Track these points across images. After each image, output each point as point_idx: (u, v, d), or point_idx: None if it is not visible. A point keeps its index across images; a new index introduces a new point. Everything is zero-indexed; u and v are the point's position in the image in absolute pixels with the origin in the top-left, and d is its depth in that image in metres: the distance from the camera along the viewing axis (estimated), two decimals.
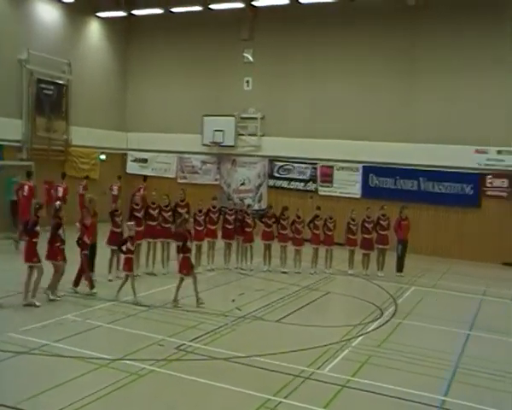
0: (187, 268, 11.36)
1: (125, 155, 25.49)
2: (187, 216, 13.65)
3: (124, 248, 11.44)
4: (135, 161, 25.38)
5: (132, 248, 11.55)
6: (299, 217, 15.52)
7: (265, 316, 10.91)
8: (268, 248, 15.46)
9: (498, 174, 19.51)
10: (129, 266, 11.35)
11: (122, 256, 11.95)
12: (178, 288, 11.25)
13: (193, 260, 12.11)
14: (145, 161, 25.13)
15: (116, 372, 7.63)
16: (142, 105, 25.20)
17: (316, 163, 21.95)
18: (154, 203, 14.31)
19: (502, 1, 19.29)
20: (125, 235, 12.11)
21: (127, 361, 8.03)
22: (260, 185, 22.89)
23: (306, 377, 7.85)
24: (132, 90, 25.59)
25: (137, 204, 14.11)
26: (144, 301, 11.22)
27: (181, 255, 11.56)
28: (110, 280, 12.67)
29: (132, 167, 25.34)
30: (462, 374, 8.35)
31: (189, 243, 11.53)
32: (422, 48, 20.45)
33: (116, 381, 7.32)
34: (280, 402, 6.98)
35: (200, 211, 14.78)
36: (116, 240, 12.61)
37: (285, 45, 22.47)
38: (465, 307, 12.85)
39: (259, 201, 22.37)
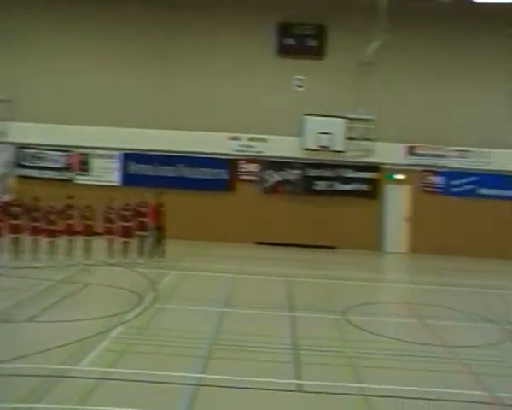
0: None
1: None
2: None
3: None
4: None
5: None
6: (52, 207, 14.54)
7: (15, 317, 9.92)
8: (16, 241, 14.18)
9: (250, 160, 20.86)
10: None
11: None
12: None
13: None
14: None
15: None
16: None
17: (70, 150, 20.85)
18: None
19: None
20: None
21: None
22: (6, 175, 20.87)
23: (61, 375, 7.28)
24: None
25: None
26: None
27: None
28: None
29: None
30: (220, 350, 8.62)
31: None
32: (182, 34, 20.83)
33: None
34: (30, 409, 6.35)
35: None
36: None
37: (34, 23, 20.79)
38: (221, 286, 13.38)
39: (6, 192, 20.37)
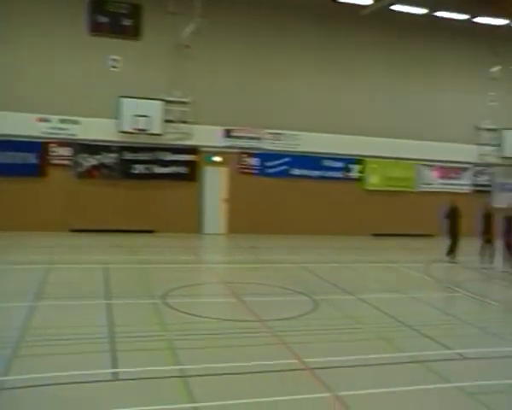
0: None
1: None
2: None
3: None
4: None
5: None
6: None
7: None
8: None
9: (62, 143, 19.68)
10: None
11: None
12: None
13: None
14: None
15: None
16: None
17: None
18: None
19: None
20: None
21: None
22: None
23: None
24: None
25: None
26: None
27: None
28: None
29: None
30: (28, 347, 7.96)
31: None
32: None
33: None
34: None
35: None
36: None
37: None
38: (32, 278, 12.37)
39: None
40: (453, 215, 17.30)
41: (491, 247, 16.33)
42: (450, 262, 16.82)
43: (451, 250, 17.03)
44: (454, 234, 17.06)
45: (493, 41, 23.81)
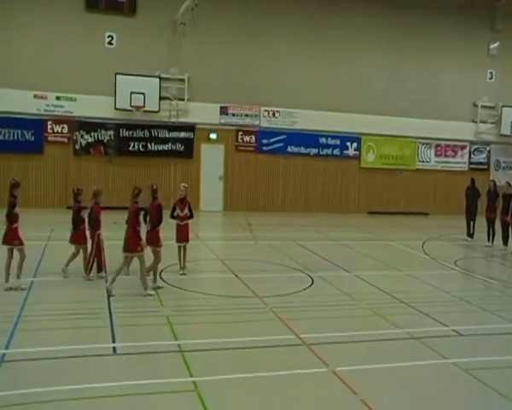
0: None
1: None
2: None
3: None
4: None
5: None
6: None
7: None
8: None
9: (58, 120, 19.58)
10: None
11: None
12: None
13: None
14: None
15: None
16: None
17: None
18: None
19: None
20: None
21: None
22: None
23: None
24: None
25: None
26: None
27: None
28: None
29: None
30: (26, 322, 8.03)
31: None
32: None
33: None
34: None
35: None
36: None
37: None
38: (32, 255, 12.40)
39: None
40: (471, 195, 17.31)
41: (492, 225, 16.35)
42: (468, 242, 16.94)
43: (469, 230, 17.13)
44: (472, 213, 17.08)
45: (492, 16, 23.67)
